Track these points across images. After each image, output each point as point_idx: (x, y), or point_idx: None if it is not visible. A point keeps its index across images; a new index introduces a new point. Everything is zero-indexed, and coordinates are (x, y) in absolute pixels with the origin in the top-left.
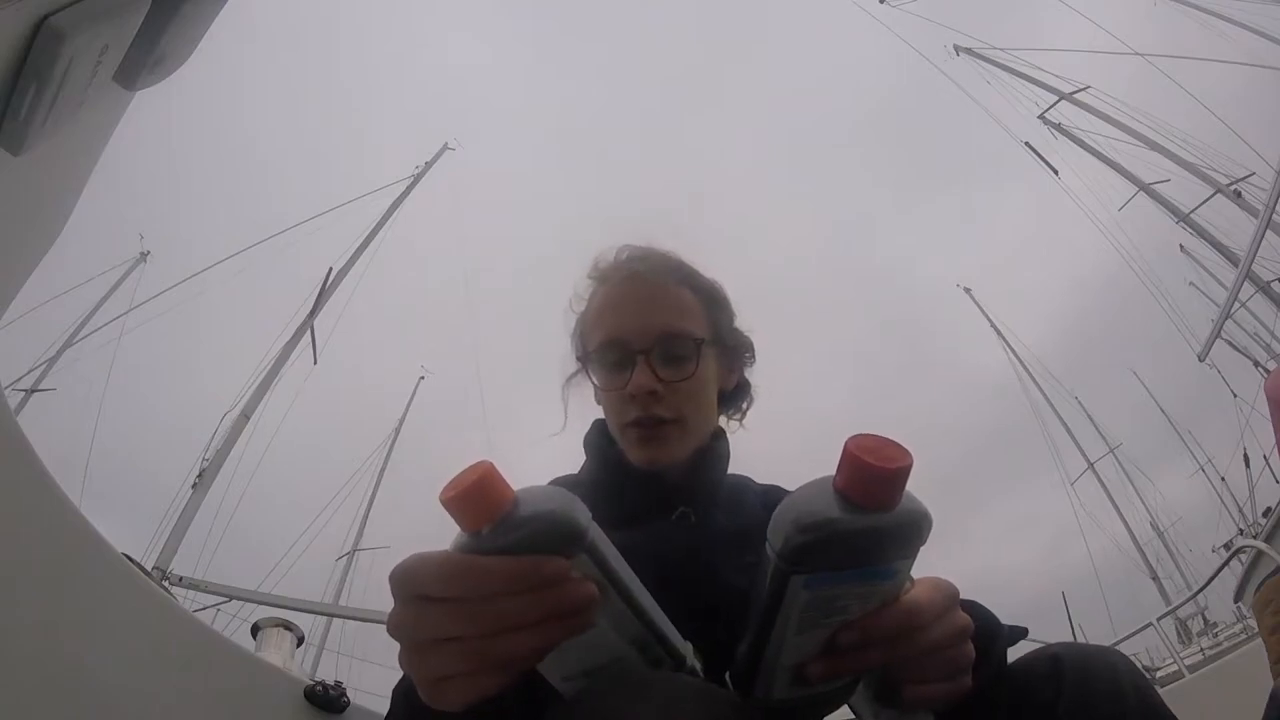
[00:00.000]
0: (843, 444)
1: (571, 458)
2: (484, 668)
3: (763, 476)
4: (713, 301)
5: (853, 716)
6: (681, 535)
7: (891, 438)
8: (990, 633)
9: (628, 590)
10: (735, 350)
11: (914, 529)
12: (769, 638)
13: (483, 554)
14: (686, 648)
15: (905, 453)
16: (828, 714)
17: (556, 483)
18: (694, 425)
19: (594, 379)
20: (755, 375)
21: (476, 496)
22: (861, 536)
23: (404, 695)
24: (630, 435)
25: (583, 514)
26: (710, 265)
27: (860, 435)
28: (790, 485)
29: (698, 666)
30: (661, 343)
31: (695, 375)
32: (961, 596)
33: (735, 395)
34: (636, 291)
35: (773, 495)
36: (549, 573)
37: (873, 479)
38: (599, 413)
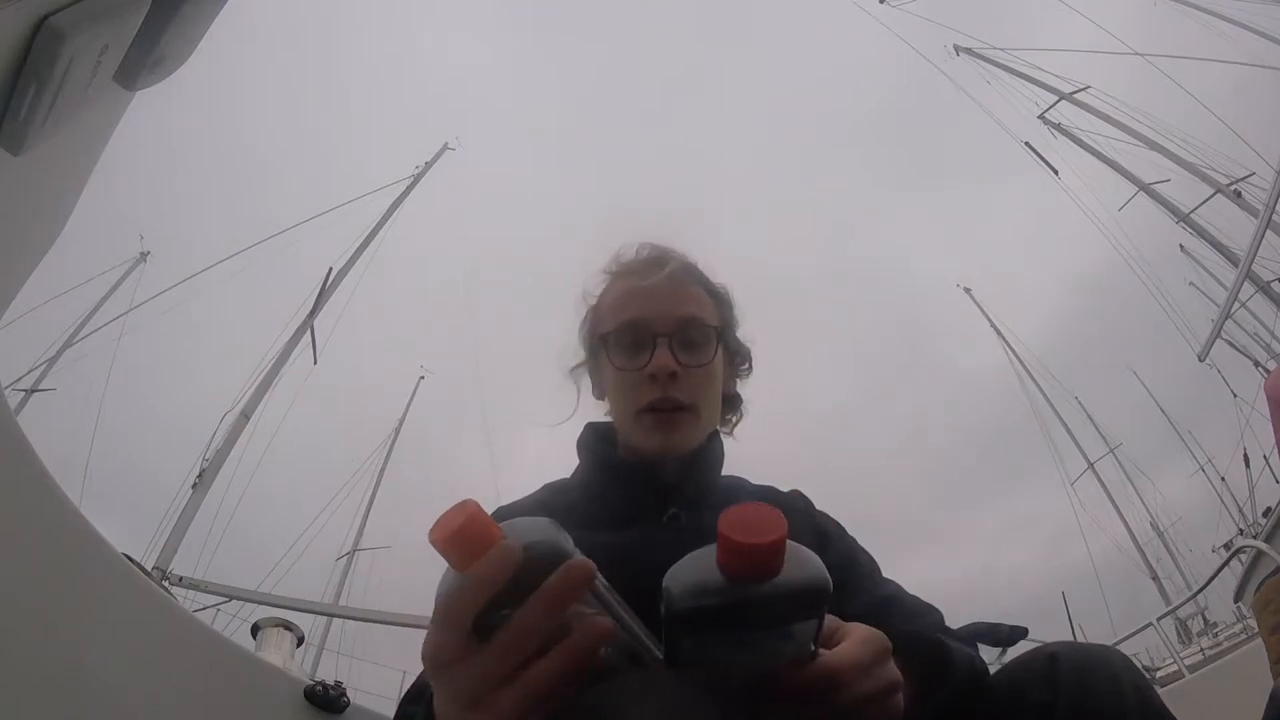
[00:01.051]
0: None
1: (568, 459)
2: (532, 694)
3: (760, 477)
4: (723, 304)
5: None
6: (672, 538)
7: (765, 506)
8: (936, 676)
9: (613, 607)
10: (737, 357)
11: (801, 595)
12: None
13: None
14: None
15: (777, 523)
16: None
17: (549, 488)
18: (705, 414)
19: (612, 360)
20: (754, 377)
21: (468, 537)
22: (743, 606)
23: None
24: (645, 421)
25: (567, 542)
26: (712, 267)
27: (733, 508)
28: (784, 486)
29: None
30: (683, 327)
31: (713, 362)
32: (948, 611)
33: (730, 403)
34: (659, 280)
35: (768, 497)
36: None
37: (745, 554)
38: (591, 415)
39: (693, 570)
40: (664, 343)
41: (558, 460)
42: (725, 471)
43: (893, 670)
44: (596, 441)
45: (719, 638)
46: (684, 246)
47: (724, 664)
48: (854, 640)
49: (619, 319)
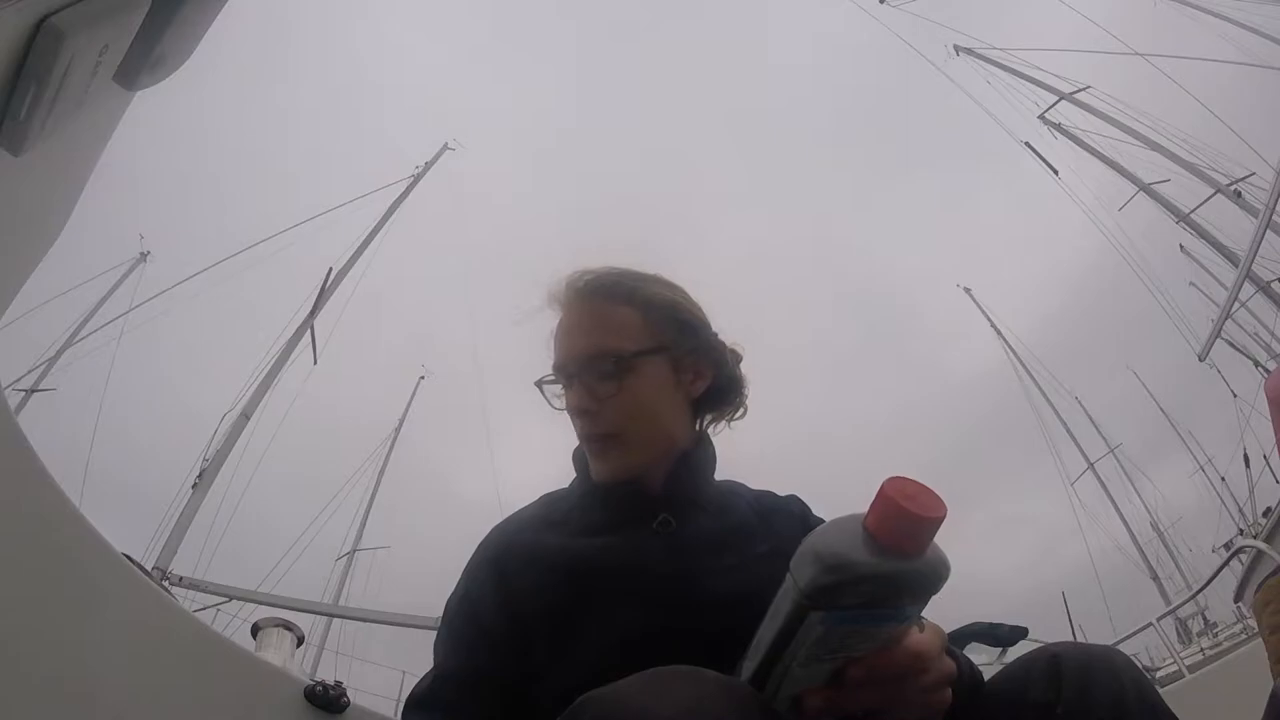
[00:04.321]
0: (880, 485)
1: (566, 457)
2: None
3: (752, 475)
4: (660, 313)
5: None
6: (659, 543)
7: (927, 485)
8: (971, 681)
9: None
10: (698, 355)
11: (935, 577)
12: (775, 666)
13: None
14: None
15: (941, 503)
16: None
17: (546, 498)
18: (634, 437)
19: (549, 403)
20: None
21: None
22: (886, 580)
23: None
24: (584, 452)
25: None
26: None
27: (897, 478)
28: (781, 488)
29: None
30: (590, 364)
31: (622, 391)
32: (947, 611)
33: (712, 399)
34: (572, 316)
35: (765, 501)
36: None
37: (906, 524)
38: None
39: (838, 540)
40: (577, 383)
41: (556, 459)
42: (731, 474)
43: (950, 663)
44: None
45: (851, 611)
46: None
47: (843, 640)
48: (930, 627)
49: (552, 361)
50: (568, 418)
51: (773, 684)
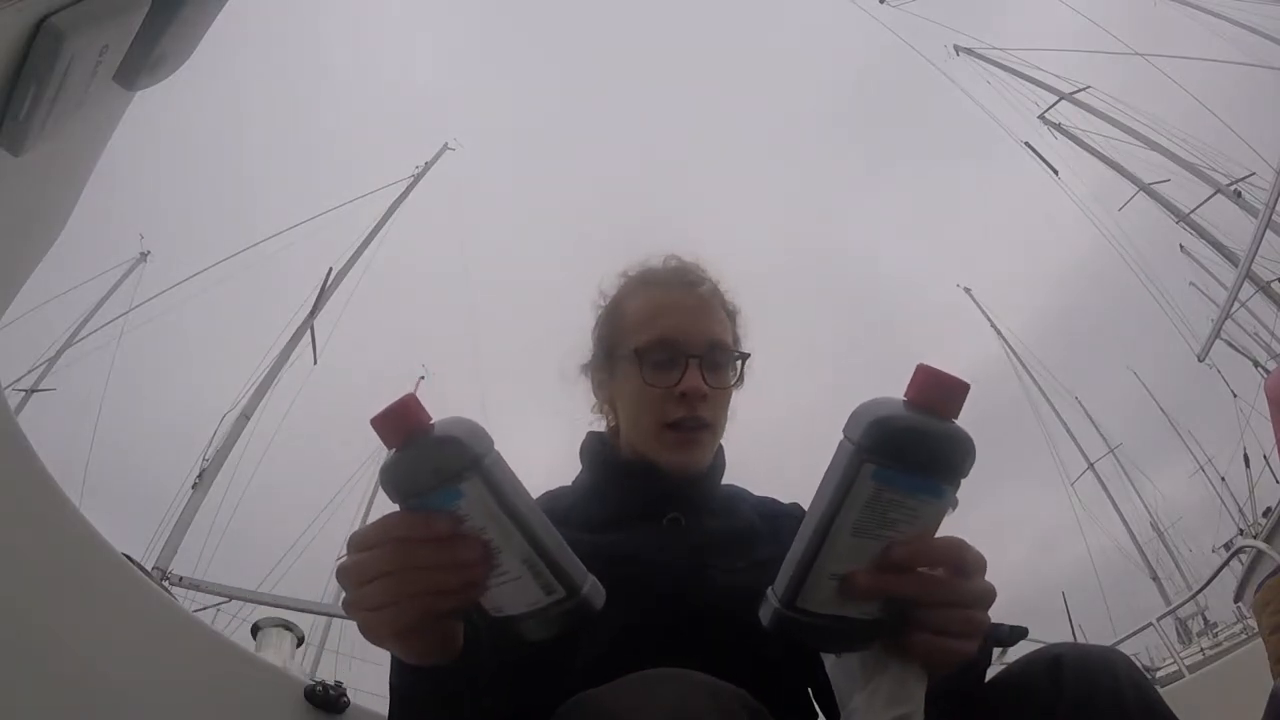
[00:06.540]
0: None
1: (566, 457)
2: (402, 599)
3: (745, 475)
4: (735, 324)
5: None
6: (670, 540)
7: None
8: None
9: (519, 514)
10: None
11: (968, 445)
12: (828, 532)
13: (397, 470)
14: (585, 578)
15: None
16: (842, 648)
17: (547, 495)
18: (720, 431)
19: (643, 375)
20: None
21: (396, 418)
22: (930, 435)
23: (393, 673)
24: (668, 438)
25: (481, 440)
26: (731, 285)
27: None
28: (773, 488)
29: (594, 597)
30: (711, 350)
31: (729, 387)
32: None
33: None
34: (691, 298)
35: (769, 507)
36: (438, 528)
37: (941, 387)
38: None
39: (887, 402)
40: (695, 364)
41: (554, 457)
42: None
43: (991, 586)
44: (599, 447)
45: (899, 470)
46: (692, 251)
47: (887, 513)
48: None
49: (651, 334)
50: (591, 406)
51: (823, 556)
